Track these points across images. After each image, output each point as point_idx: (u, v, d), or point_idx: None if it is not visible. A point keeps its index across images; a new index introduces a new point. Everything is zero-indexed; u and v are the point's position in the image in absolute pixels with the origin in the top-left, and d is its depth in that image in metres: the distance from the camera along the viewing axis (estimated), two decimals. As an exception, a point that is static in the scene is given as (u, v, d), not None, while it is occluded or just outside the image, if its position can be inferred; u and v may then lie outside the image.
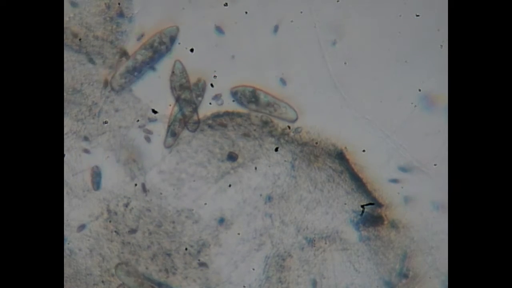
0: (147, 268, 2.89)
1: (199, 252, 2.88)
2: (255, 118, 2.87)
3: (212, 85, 2.86)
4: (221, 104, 2.85)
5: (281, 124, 2.88)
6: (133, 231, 2.88)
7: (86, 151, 2.87)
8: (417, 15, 2.81)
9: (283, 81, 2.84)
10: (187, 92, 2.84)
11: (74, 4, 2.84)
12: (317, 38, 2.83)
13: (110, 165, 2.88)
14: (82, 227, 2.89)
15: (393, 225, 2.87)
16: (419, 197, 2.86)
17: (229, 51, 2.85)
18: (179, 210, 2.87)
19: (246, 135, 2.84)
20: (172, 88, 2.85)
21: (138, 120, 2.86)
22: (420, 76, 2.83)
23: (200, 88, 2.85)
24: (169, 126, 2.87)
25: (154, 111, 2.87)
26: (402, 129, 2.84)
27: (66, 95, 2.87)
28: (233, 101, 2.86)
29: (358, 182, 2.88)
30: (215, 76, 2.85)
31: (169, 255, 2.89)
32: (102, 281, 2.89)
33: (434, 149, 2.83)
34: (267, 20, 2.84)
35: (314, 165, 2.88)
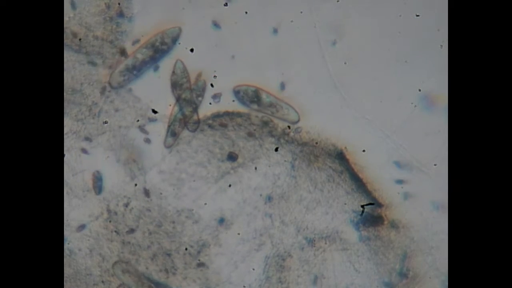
0: (147, 268, 2.89)
1: (199, 252, 2.88)
2: (255, 118, 2.87)
3: (212, 85, 2.85)
4: (218, 102, 2.85)
5: (281, 124, 2.88)
6: (132, 231, 2.88)
7: (86, 151, 2.87)
8: (417, 15, 2.81)
9: (282, 86, 2.84)
10: (187, 92, 2.84)
11: (74, 4, 2.84)
12: (317, 38, 2.83)
13: (110, 165, 2.88)
14: (82, 227, 2.89)
15: (393, 225, 2.87)
16: (419, 197, 2.85)
17: (229, 51, 2.85)
18: (179, 210, 2.87)
19: (250, 134, 2.84)
20: (173, 87, 2.85)
21: (138, 120, 2.86)
22: (420, 76, 2.83)
23: (200, 88, 2.85)
24: (169, 126, 2.87)
25: (154, 111, 2.87)
26: (402, 129, 2.84)
27: (66, 95, 2.86)
28: (233, 101, 2.86)
29: (358, 182, 2.88)
30: (215, 76, 2.85)
31: (169, 255, 2.89)
32: (102, 281, 2.89)
33: (434, 149, 2.83)
34: (267, 20, 2.84)
35: (314, 165, 2.88)
